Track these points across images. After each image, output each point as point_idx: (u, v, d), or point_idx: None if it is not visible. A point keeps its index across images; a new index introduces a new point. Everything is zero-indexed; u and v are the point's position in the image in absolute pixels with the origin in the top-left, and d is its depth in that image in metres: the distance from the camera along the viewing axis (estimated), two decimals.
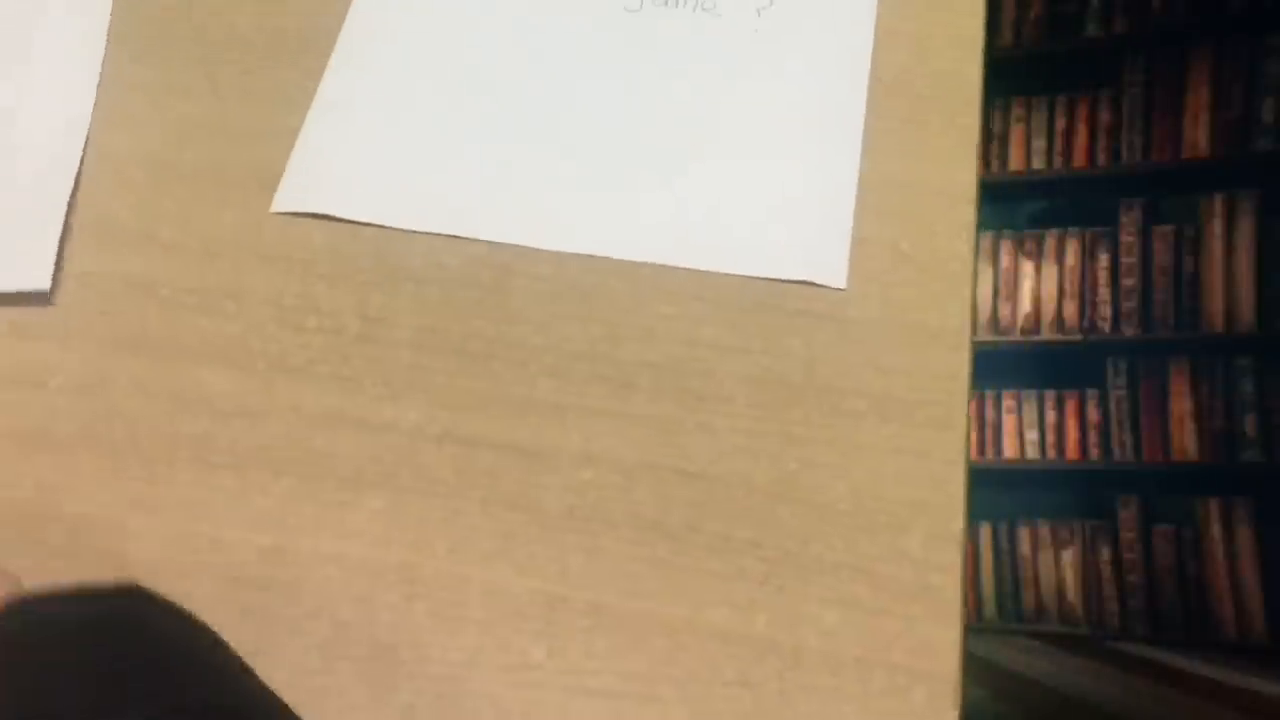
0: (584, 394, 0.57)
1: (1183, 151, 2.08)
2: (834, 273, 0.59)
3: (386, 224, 0.62)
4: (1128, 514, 2.04)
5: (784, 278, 0.60)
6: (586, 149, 0.63)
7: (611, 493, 0.55)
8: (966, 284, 0.59)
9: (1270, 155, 1.92)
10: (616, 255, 0.60)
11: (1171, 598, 1.74)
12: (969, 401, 0.57)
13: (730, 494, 0.55)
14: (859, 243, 0.60)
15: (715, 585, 0.53)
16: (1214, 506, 1.72)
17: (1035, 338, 2.25)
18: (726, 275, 0.60)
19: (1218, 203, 1.91)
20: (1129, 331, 2.09)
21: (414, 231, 0.62)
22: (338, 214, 0.62)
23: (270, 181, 0.63)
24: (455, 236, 0.61)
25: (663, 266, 0.60)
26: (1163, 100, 2.18)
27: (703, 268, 0.60)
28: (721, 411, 0.57)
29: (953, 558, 0.53)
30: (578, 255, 0.61)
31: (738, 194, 0.61)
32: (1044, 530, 2.19)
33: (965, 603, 0.52)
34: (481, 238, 0.61)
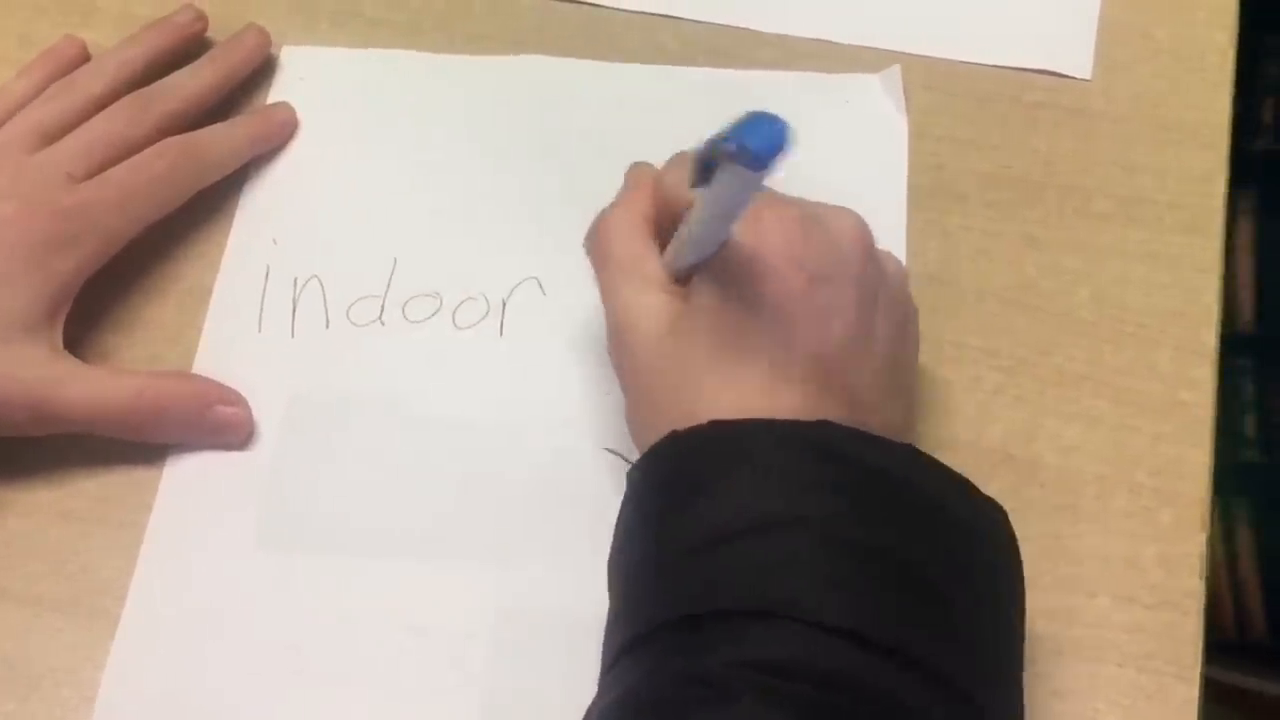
0: None
1: None
2: (1078, 62, 0.55)
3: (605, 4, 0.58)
4: None
5: (1023, 66, 0.55)
6: None
7: None
8: (1226, 76, 0.54)
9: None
10: (843, 41, 0.56)
11: None
12: (1225, 205, 0.53)
13: (964, 299, 0.51)
14: (1106, 29, 0.55)
15: (948, 394, 0.50)
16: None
17: None
18: (960, 63, 0.55)
19: None
20: None
21: (626, 10, 0.58)
22: None
23: None
24: (671, 16, 0.57)
25: (890, 52, 0.56)
26: None
27: (934, 55, 0.56)
28: (955, 210, 0.53)
29: (1204, 373, 0.50)
30: (803, 39, 0.56)
31: None
32: None
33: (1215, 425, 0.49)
34: (702, 19, 0.57)
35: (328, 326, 0.52)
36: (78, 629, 0.47)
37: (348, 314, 0.52)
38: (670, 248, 0.43)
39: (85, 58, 0.56)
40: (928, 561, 0.36)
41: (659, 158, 0.54)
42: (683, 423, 0.39)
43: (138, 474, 0.50)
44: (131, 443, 0.49)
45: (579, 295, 0.51)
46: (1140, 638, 0.45)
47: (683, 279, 0.43)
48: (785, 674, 0.33)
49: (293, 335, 0.52)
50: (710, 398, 0.40)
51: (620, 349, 0.44)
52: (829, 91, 0.56)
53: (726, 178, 0.36)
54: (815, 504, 0.36)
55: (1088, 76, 0.55)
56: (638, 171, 0.48)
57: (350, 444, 0.50)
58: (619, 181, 0.54)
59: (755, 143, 0.33)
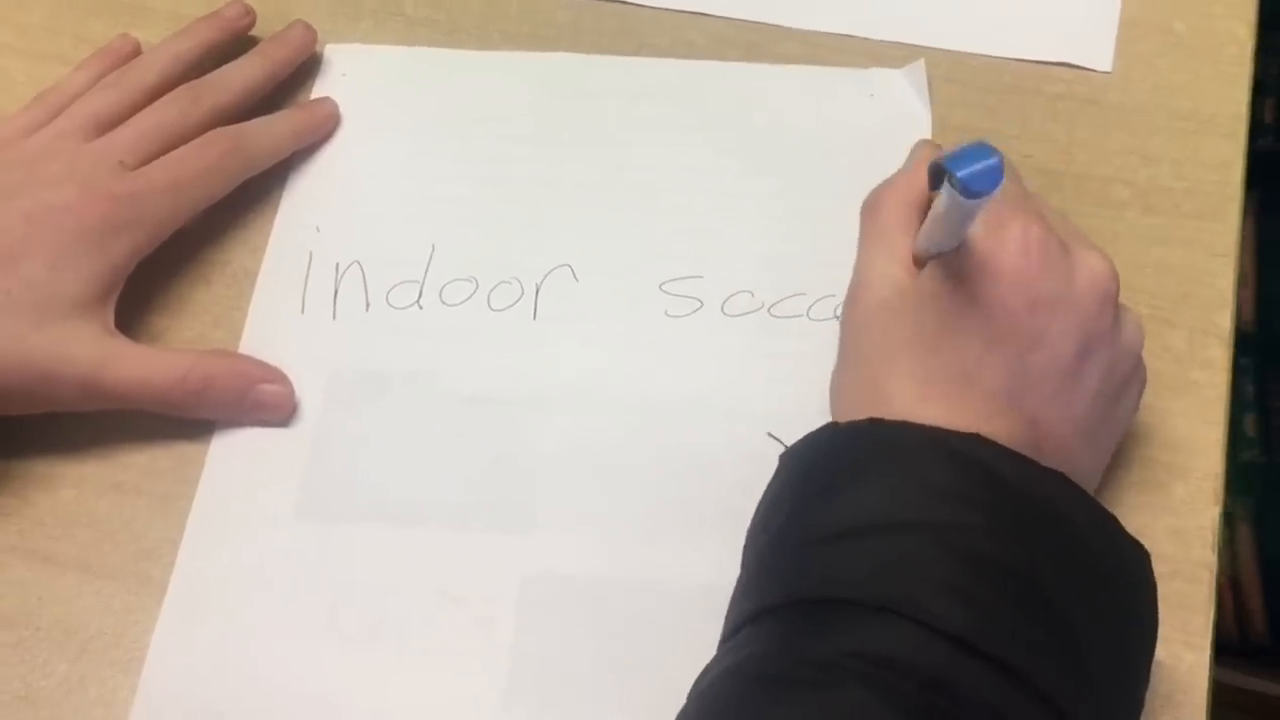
0: None
1: None
2: (1098, 54, 0.56)
3: (635, 1, 0.60)
4: None
5: (1044, 59, 0.56)
6: None
7: None
8: (1244, 68, 0.55)
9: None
10: (868, 35, 0.58)
11: None
12: (1242, 192, 0.54)
13: None
14: (1126, 23, 0.56)
15: None
16: None
17: None
18: (980, 56, 0.57)
19: None
20: None
21: (656, 8, 0.60)
22: None
23: None
24: (703, 14, 0.59)
25: (914, 46, 0.57)
26: None
27: (955, 48, 0.57)
28: None
29: (1218, 353, 0.51)
30: (829, 34, 0.58)
31: None
32: None
33: (1229, 403, 0.50)
34: (731, 15, 0.59)
35: (368, 309, 0.54)
36: (126, 594, 0.49)
37: (387, 297, 0.54)
38: (919, 234, 0.44)
39: (139, 54, 0.59)
40: (1054, 586, 0.36)
41: (685, 150, 0.56)
42: (864, 393, 0.41)
43: (185, 449, 0.51)
44: (179, 419, 0.51)
45: (609, 282, 0.53)
46: None
47: (922, 265, 0.43)
48: (894, 669, 0.33)
49: (334, 317, 0.54)
50: (896, 383, 0.41)
51: (847, 306, 0.45)
52: (854, 85, 0.57)
53: (948, 197, 0.37)
54: (947, 511, 0.36)
55: (1108, 69, 0.56)
56: (922, 149, 0.49)
57: (387, 420, 0.51)
58: (649, 171, 0.56)
59: (966, 176, 0.34)
